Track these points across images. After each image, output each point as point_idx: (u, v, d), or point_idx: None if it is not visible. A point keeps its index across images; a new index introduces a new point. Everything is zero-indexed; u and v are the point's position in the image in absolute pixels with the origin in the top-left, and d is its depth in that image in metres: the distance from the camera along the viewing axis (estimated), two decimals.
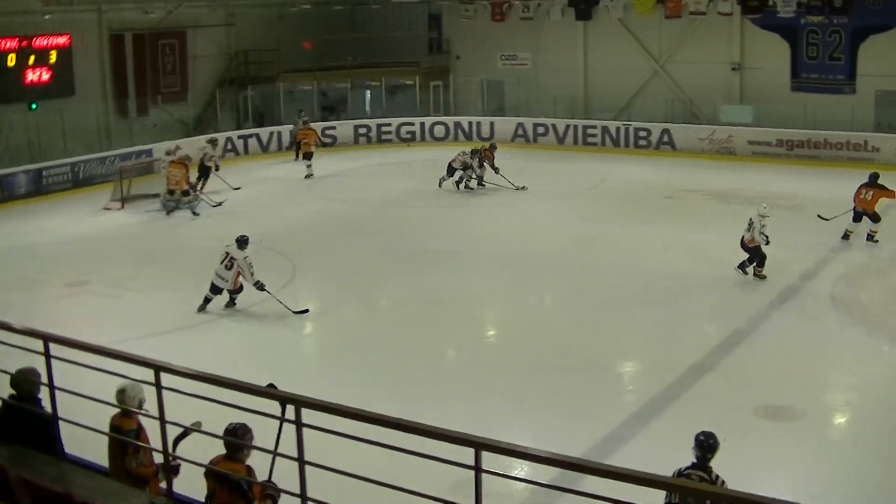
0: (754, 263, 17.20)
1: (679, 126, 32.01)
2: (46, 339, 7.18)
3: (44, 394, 7.37)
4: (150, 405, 6.93)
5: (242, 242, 15.91)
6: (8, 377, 7.43)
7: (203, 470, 6.65)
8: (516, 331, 15.77)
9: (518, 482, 9.10)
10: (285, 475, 6.47)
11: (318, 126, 31.69)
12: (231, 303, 16.33)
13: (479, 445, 5.32)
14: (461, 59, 37.59)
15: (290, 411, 6.07)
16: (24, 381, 7.34)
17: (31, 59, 27.45)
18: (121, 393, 7.23)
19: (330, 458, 5.98)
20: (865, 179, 19.77)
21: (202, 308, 16.12)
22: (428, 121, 35.04)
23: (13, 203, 25.24)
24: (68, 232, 22.54)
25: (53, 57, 28.03)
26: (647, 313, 15.89)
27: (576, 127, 33.42)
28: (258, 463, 6.78)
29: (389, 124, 34.81)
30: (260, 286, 15.80)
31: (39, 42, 27.65)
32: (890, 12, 28.85)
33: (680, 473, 7.38)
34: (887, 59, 29.12)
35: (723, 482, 7.24)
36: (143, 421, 7.26)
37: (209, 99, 33.88)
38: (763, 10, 30.78)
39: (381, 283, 18.12)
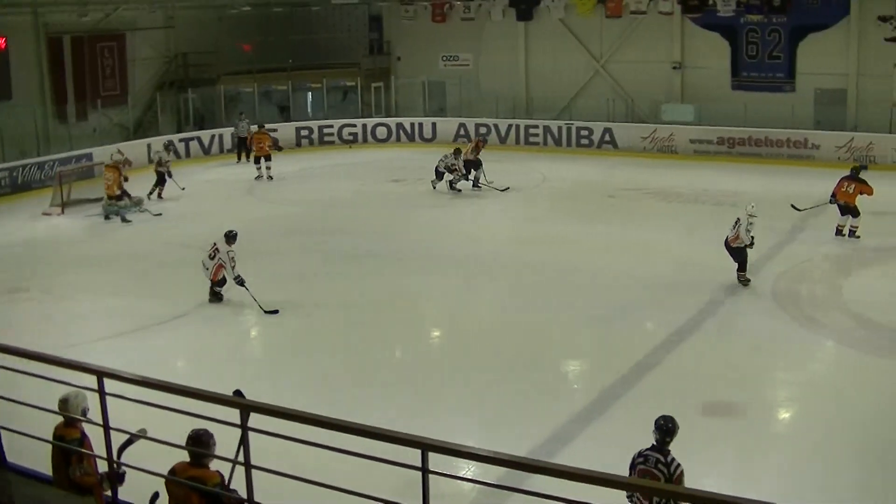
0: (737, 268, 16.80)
1: (621, 125, 32.33)
2: None
3: None
4: (94, 413, 6.85)
5: (231, 237, 16.13)
6: None
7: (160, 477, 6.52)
8: (461, 331, 15.78)
9: (466, 482, 9.12)
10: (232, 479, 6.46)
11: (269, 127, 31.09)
12: (216, 297, 16.40)
13: (425, 446, 5.34)
14: (402, 60, 37.58)
15: (236, 415, 6.03)
16: None
17: None
18: (63, 402, 7.12)
19: (277, 461, 5.94)
20: (847, 173, 20.11)
21: (212, 299, 16.42)
22: (370, 122, 35.00)
23: None
24: (7, 238, 22.11)
25: None
26: (591, 312, 15.97)
27: (518, 127, 33.59)
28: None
29: (331, 126, 34.70)
30: (240, 281, 15.98)
31: None
32: (828, 11, 29.50)
33: (640, 454, 7.51)
34: (826, 57, 29.77)
35: (678, 465, 7.35)
36: (88, 429, 7.16)
37: (149, 102, 33.47)
38: (703, 10, 31.30)
39: (325, 284, 18.04)
